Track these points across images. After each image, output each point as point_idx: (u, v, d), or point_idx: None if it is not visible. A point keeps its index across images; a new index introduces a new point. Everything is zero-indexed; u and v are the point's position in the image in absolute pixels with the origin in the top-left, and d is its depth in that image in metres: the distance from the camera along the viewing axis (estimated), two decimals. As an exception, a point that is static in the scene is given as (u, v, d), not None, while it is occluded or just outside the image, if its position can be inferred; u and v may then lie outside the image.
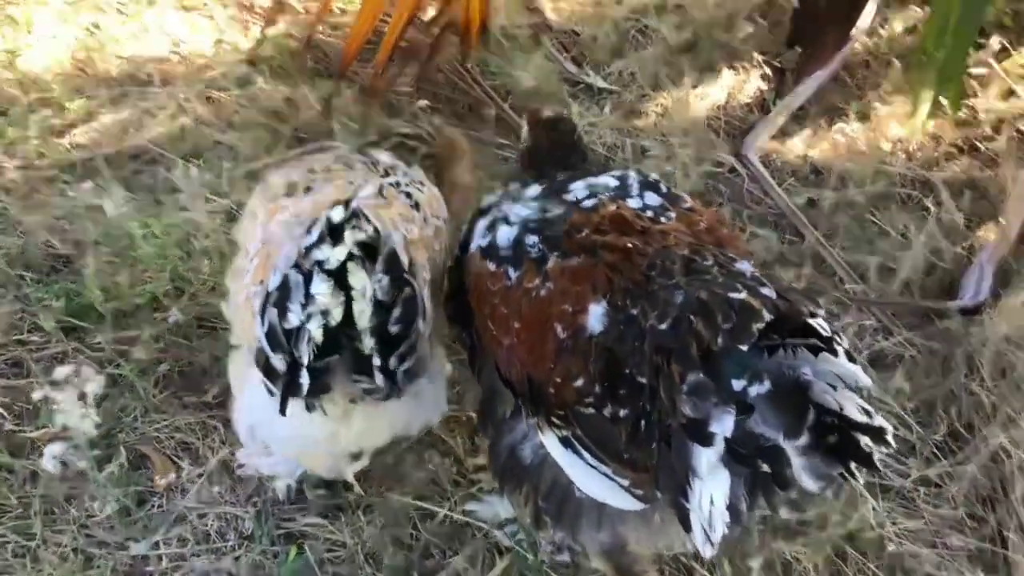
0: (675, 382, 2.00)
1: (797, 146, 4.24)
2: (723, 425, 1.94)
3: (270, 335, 2.34)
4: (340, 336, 2.34)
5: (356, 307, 2.32)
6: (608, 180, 2.62)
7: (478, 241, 2.61)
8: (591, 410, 2.25)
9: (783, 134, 4.30)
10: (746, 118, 4.36)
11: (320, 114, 4.05)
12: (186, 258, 3.43)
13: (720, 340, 1.95)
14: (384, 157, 2.93)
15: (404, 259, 2.38)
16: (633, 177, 2.63)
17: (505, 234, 2.54)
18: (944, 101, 4.06)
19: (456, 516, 2.97)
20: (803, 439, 1.93)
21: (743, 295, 2.00)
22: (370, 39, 4.04)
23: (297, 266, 2.33)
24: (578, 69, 4.44)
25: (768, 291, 2.08)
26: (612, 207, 2.47)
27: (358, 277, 2.31)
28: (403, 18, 3.77)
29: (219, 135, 3.95)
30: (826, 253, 3.81)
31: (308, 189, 2.75)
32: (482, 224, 2.64)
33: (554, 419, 2.36)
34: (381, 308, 2.34)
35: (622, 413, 2.17)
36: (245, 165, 3.78)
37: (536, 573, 2.84)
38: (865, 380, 1.93)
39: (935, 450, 3.28)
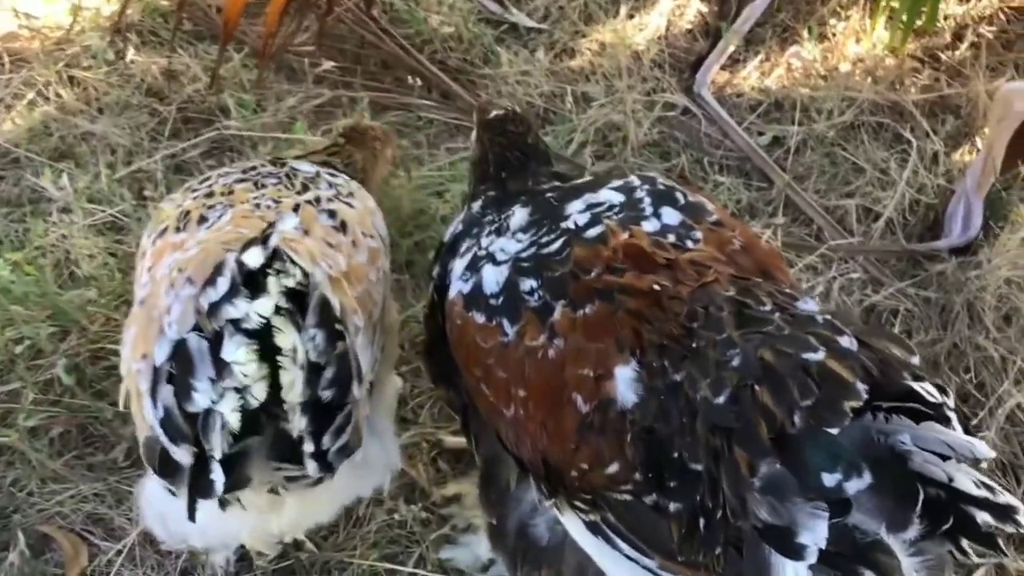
0: (742, 473, 1.56)
1: (751, 76, 3.81)
2: (815, 533, 1.50)
3: (167, 423, 1.82)
4: (258, 414, 1.83)
5: (285, 377, 1.81)
6: (611, 196, 2.12)
7: (458, 285, 2.11)
8: (628, 497, 1.80)
9: (733, 62, 3.86)
10: (691, 47, 3.90)
11: (207, 87, 3.46)
12: (67, 286, 2.87)
13: (798, 420, 1.52)
14: (304, 166, 2.41)
15: (335, 304, 1.87)
16: (640, 187, 2.14)
17: (492, 276, 2.04)
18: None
19: (430, 566, 2.55)
20: (912, 530, 1.51)
21: (821, 356, 1.57)
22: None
23: (198, 328, 1.80)
24: (500, 7, 3.89)
25: (849, 342, 1.62)
26: (623, 235, 1.97)
27: (288, 337, 1.79)
28: (295, -31, 3.19)
29: (89, 125, 3.34)
30: (800, 199, 3.42)
31: (203, 220, 2.19)
32: (459, 264, 2.15)
33: (578, 503, 1.91)
34: (314, 374, 1.84)
35: (672, 508, 1.72)
36: (127, 163, 3.20)
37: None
38: (985, 452, 1.50)
39: (947, 416, 2.95)
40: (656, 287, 1.84)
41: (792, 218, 3.41)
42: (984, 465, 1.55)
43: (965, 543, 1.55)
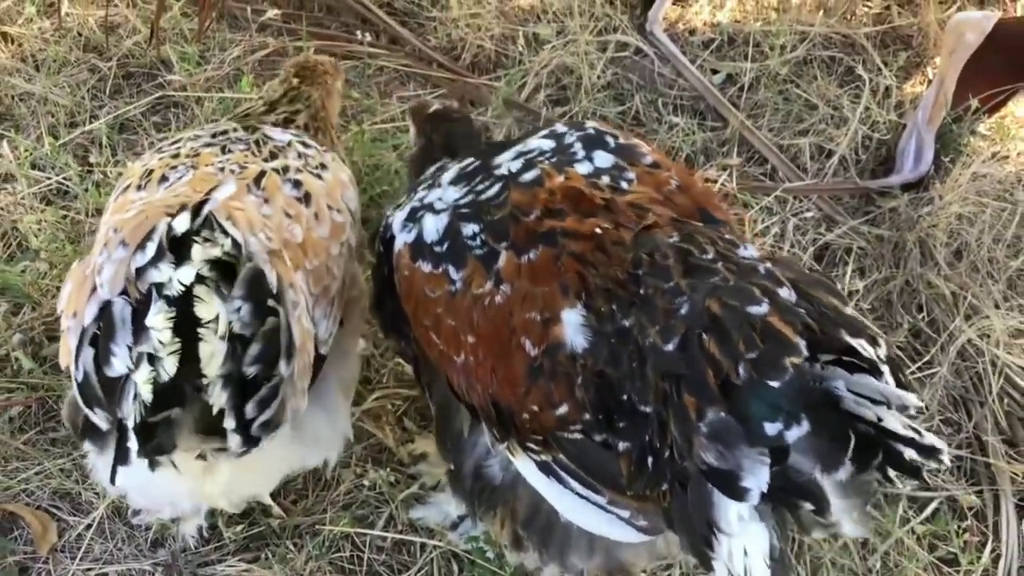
0: (690, 417, 1.61)
1: (703, 11, 3.76)
2: (758, 478, 1.57)
3: (85, 387, 1.80)
4: (181, 384, 1.80)
5: (204, 348, 1.76)
6: (540, 143, 2.13)
7: (402, 236, 2.11)
8: (578, 436, 1.85)
9: (684, -4, 3.81)
10: (641, -21, 3.83)
11: (147, 40, 3.35)
12: (16, 259, 2.80)
13: (742, 371, 1.57)
14: (277, 133, 2.36)
15: (271, 278, 1.83)
16: (568, 132, 2.14)
17: (433, 224, 2.05)
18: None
19: (400, 527, 2.58)
20: (843, 472, 1.59)
21: (765, 309, 1.62)
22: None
23: (124, 293, 1.77)
24: (445, -55, 3.79)
25: (787, 293, 1.68)
26: (559, 177, 1.99)
27: (208, 307, 1.75)
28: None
29: (26, 84, 3.23)
30: (754, 138, 3.42)
31: (163, 179, 2.15)
32: (400, 216, 2.14)
33: (530, 444, 1.95)
34: (238, 346, 1.80)
35: (622, 446, 1.78)
36: (69, 124, 3.10)
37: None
38: (915, 402, 1.56)
39: (899, 354, 3.01)
40: (598, 230, 1.87)
41: (747, 157, 3.41)
42: (922, 405, 1.63)
43: (892, 472, 1.61)
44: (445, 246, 2.01)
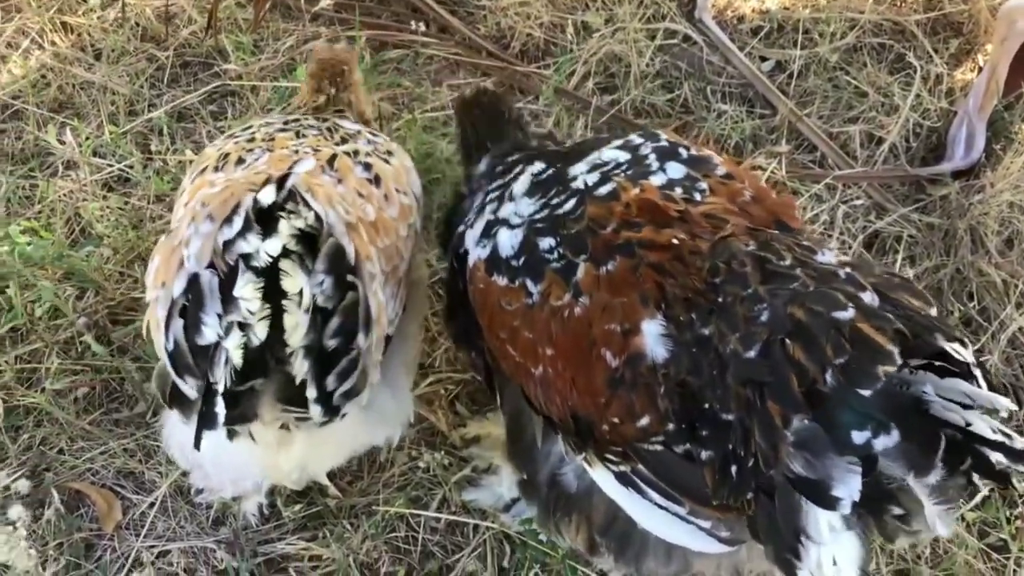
0: (775, 425, 1.62)
1: (752, -3, 3.76)
2: (849, 487, 1.58)
3: (176, 356, 1.87)
4: (265, 355, 1.87)
5: (288, 320, 1.83)
6: (615, 154, 2.15)
7: (476, 251, 2.14)
8: (659, 447, 1.87)
9: (733, -17, 3.81)
10: (690, -33, 3.83)
11: (203, 30, 3.41)
12: (79, 244, 2.87)
13: (830, 378, 1.58)
14: (347, 123, 2.44)
15: (349, 251, 1.90)
16: (643, 144, 2.16)
17: (508, 239, 2.08)
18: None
19: (453, 508, 2.63)
20: (934, 476, 1.60)
21: (851, 314, 1.62)
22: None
23: (212, 265, 1.83)
24: (494, -67, 3.81)
25: (871, 298, 1.68)
26: (634, 190, 2.00)
27: (295, 280, 1.81)
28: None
29: (87, 73, 3.30)
30: (803, 126, 3.42)
31: (241, 161, 2.22)
32: (473, 233, 2.18)
33: (609, 456, 1.97)
34: (319, 318, 1.87)
35: (704, 455, 1.79)
36: (128, 112, 3.17)
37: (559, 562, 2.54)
38: (1007, 405, 1.57)
39: (950, 341, 3.01)
40: (675, 241, 1.89)
41: (796, 145, 3.41)
42: (1005, 415, 1.61)
43: (977, 478, 1.63)
44: (521, 260, 2.04)
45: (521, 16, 3.59)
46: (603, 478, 2.01)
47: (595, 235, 1.95)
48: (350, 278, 1.88)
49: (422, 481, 2.67)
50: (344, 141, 2.33)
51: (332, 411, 1.97)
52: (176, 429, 2.23)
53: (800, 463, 1.59)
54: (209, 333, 1.81)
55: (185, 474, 2.62)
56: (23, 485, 2.45)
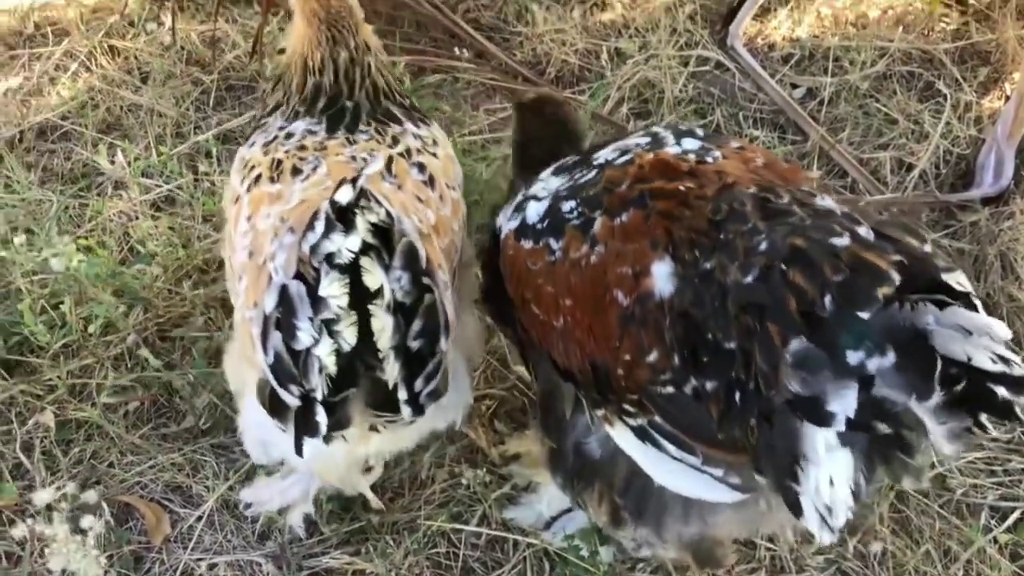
0: (775, 345, 1.67)
1: (783, 26, 3.83)
2: (844, 403, 1.62)
3: (277, 367, 1.94)
4: (355, 364, 1.95)
5: (375, 323, 1.90)
6: (637, 139, 2.26)
7: (508, 225, 2.26)
8: (670, 389, 1.92)
9: (763, 11, 3.88)
10: (722, -5, 3.91)
11: (247, 54, 3.50)
12: (129, 262, 2.95)
13: (828, 301, 1.62)
14: (393, 116, 2.49)
15: (423, 257, 1.97)
16: (664, 131, 2.27)
17: (535, 209, 2.20)
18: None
19: (494, 525, 2.67)
20: (935, 398, 1.61)
21: (847, 241, 1.67)
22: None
23: (298, 275, 1.90)
24: (530, -39, 3.90)
25: (866, 231, 1.73)
26: (649, 155, 2.11)
27: (374, 276, 1.87)
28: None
29: (134, 96, 3.39)
30: (834, 152, 3.48)
31: (297, 171, 2.28)
32: (506, 212, 2.30)
33: (626, 407, 2.03)
34: (402, 316, 1.94)
35: (709, 386, 1.84)
36: (175, 134, 3.26)
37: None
38: (1003, 331, 1.59)
39: (981, 365, 3.05)
40: (683, 188, 1.97)
41: (827, 170, 3.47)
42: (1010, 335, 1.61)
43: (984, 417, 1.63)
44: (546, 223, 2.15)
45: (556, 42, 3.67)
46: (622, 435, 2.08)
47: (611, 193, 2.06)
48: (425, 280, 1.96)
49: (462, 498, 2.72)
50: (396, 141, 2.39)
51: (419, 411, 2.05)
52: (255, 427, 2.30)
53: (797, 382, 1.63)
54: (304, 337, 1.88)
55: (232, 487, 2.69)
56: (91, 496, 2.50)
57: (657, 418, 1.98)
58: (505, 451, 2.81)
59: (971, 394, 1.60)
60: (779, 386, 1.67)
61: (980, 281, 3.19)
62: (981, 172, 3.46)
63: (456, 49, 3.63)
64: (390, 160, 2.30)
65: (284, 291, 1.91)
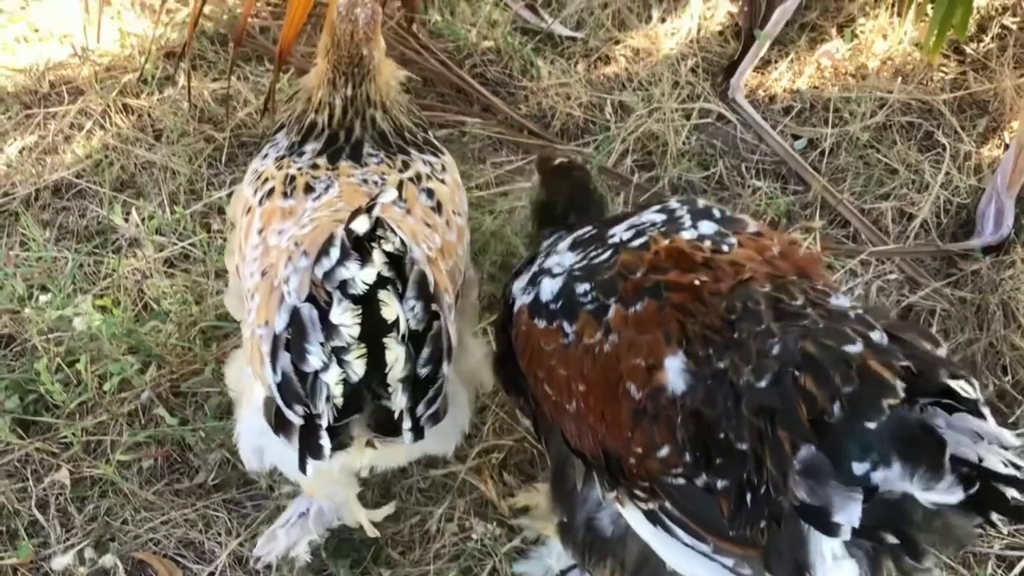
0: (785, 452, 1.71)
1: (783, 78, 3.90)
2: (849, 514, 1.66)
3: (284, 387, 1.98)
4: (362, 390, 2.00)
5: (389, 355, 1.95)
6: (652, 216, 2.28)
7: (522, 299, 2.30)
8: (682, 480, 1.96)
9: (764, 64, 3.94)
10: (722, 50, 3.98)
11: (258, 111, 3.56)
12: (143, 319, 2.99)
13: (837, 409, 1.66)
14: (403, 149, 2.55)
15: (431, 281, 2.03)
16: (679, 207, 2.30)
17: (549, 286, 2.23)
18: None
19: (505, 580, 2.70)
20: (944, 495, 1.64)
21: (859, 348, 1.71)
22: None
23: (311, 298, 1.94)
24: (536, 16, 3.98)
25: (880, 336, 1.77)
26: (664, 241, 2.14)
27: (391, 309, 1.92)
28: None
29: (148, 154, 3.45)
30: (836, 202, 3.53)
31: (309, 189, 2.35)
32: (520, 282, 2.34)
33: (637, 492, 2.06)
34: (411, 347, 1.99)
35: (720, 484, 1.88)
36: (189, 191, 3.32)
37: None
38: (1013, 440, 1.63)
39: (986, 415, 3.08)
40: (697, 282, 1.99)
41: (830, 220, 3.52)
42: (1021, 444, 1.68)
43: (995, 516, 1.66)
44: (559, 304, 2.18)
45: (561, 96, 3.74)
46: (634, 517, 2.10)
47: (625, 280, 2.08)
48: (434, 306, 2.01)
49: (473, 552, 2.74)
50: (406, 165, 2.46)
51: (420, 435, 2.11)
52: (255, 433, 2.34)
53: (804, 490, 1.67)
54: (314, 360, 1.93)
55: (243, 543, 2.72)
56: (107, 559, 2.54)
57: (668, 504, 2.00)
58: (515, 504, 2.84)
59: (982, 494, 1.63)
60: (788, 492, 1.71)
61: (982, 330, 3.22)
62: (981, 221, 3.51)
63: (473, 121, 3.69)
64: (400, 185, 2.36)
65: (296, 313, 1.96)
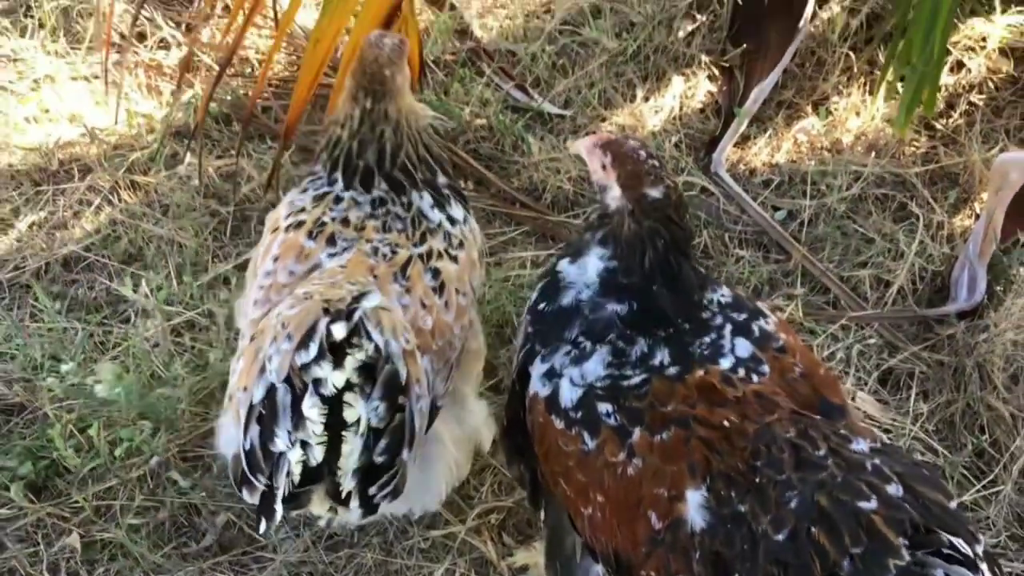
0: None
1: (762, 152, 4.08)
2: None
3: (250, 456, 2.16)
4: (322, 468, 2.17)
5: (345, 448, 2.14)
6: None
7: (539, 385, 2.33)
8: None
9: (743, 139, 4.13)
10: (703, 127, 4.17)
11: (262, 187, 3.70)
12: (152, 385, 3.09)
13: (848, 564, 1.81)
14: (428, 209, 2.67)
15: (403, 375, 2.19)
16: (720, 316, 2.33)
17: (569, 393, 2.26)
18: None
19: (508, 641, 2.77)
20: None
21: (873, 505, 1.86)
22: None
23: (288, 380, 2.12)
24: (525, 96, 4.16)
25: (895, 489, 1.91)
26: (700, 372, 2.21)
27: (354, 411, 2.13)
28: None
29: (155, 228, 3.58)
30: (816, 270, 3.68)
31: (331, 242, 2.53)
32: (540, 367, 2.36)
33: None
34: (370, 437, 2.17)
35: None
36: (194, 263, 3.44)
37: None
38: None
39: (964, 473, 3.21)
40: (726, 423, 2.09)
41: (810, 288, 3.67)
42: (1001, 521, 1.84)
43: None
44: (579, 415, 2.22)
45: (551, 170, 3.90)
46: None
47: (653, 410, 2.14)
48: (401, 399, 2.17)
49: (473, 614, 2.82)
50: (423, 239, 2.58)
51: (372, 511, 2.26)
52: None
53: None
54: (280, 443, 2.11)
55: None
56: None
57: None
58: (513, 563, 2.92)
59: None
60: None
61: (960, 391, 3.36)
62: (956, 288, 3.66)
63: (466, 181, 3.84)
64: (408, 261, 2.51)
65: (272, 391, 2.13)
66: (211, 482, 2.97)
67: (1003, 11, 4.17)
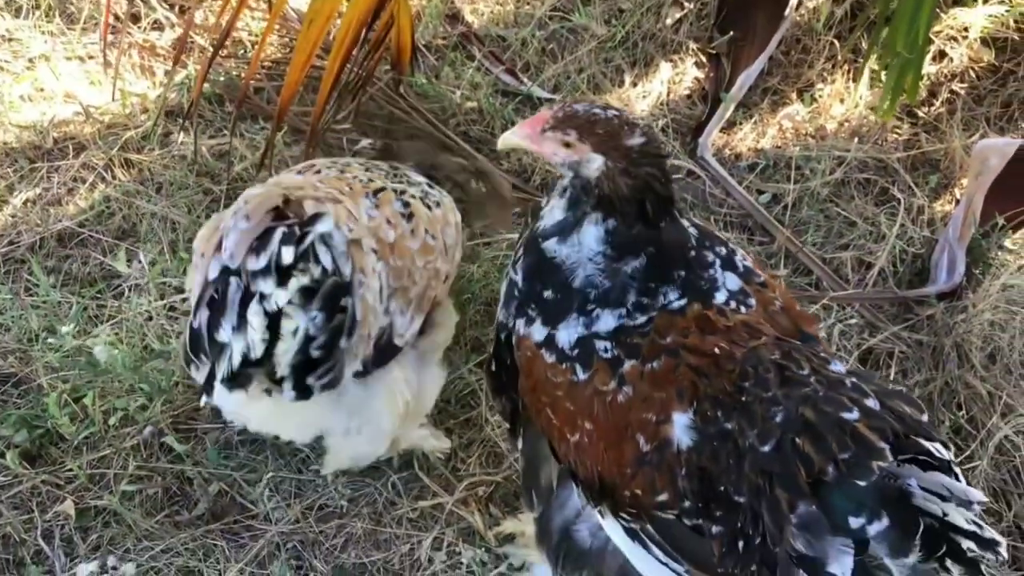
0: (783, 510, 1.89)
1: (748, 138, 4.15)
2: (843, 566, 1.85)
3: (195, 339, 2.31)
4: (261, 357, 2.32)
5: (281, 346, 2.30)
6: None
7: (528, 330, 2.33)
8: (671, 516, 2.13)
9: (729, 124, 4.20)
10: (691, 112, 4.24)
11: (255, 166, 3.75)
12: (146, 357, 3.14)
13: (833, 470, 1.86)
14: (413, 173, 2.91)
15: (345, 269, 2.35)
16: (711, 252, 2.35)
17: (566, 337, 2.26)
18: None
19: (493, 606, 2.83)
20: (912, 557, 1.84)
21: (856, 415, 1.91)
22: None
23: (239, 272, 2.26)
24: (515, 80, 4.22)
25: (873, 403, 1.97)
26: (697, 305, 2.23)
27: (292, 322, 2.29)
28: (340, 59, 3.48)
29: (149, 205, 3.62)
30: (800, 253, 3.75)
31: (317, 171, 2.73)
32: (541, 331, 2.34)
33: (623, 514, 2.23)
34: (306, 343, 2.33)
35: (715, 530, 2.06)
36: (188, 240, 3.48)
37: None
38: (979, 497, 1.85)
39: (942, 449, 3.28)
40: (717, 350, 2.15)
41: (793, 269, 3.74)
42: (977, 507, 1.88)
43: (951, 564, 1.85)
44: (576, 352, 2.25)
45: (541, 153, 3.95)
46: (613, 529, 2.27)
47: (653, 344, 2.18)
48: (343, 301, 2.33)
49: (459, 579, 2.88)
50: (399, 181, 2.78)
51: (305, 394, 2.40)
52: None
53: (802, 543, 1.86)
54: (223, 335, 2.27)
55: (241, 571, 2.83)
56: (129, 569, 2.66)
57: (650, 528, 2.17)
58: (501, 532, 2.98)
59: (943, 545, 1.82)
60: (784, 543, 1.90)
61: (938, 370, 3.43)
62: (936, 270, 3.74)
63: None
64: (382, 188, 2.68)
65: (227, 280, 2.27)
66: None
67: (985, 1, 4.25)
